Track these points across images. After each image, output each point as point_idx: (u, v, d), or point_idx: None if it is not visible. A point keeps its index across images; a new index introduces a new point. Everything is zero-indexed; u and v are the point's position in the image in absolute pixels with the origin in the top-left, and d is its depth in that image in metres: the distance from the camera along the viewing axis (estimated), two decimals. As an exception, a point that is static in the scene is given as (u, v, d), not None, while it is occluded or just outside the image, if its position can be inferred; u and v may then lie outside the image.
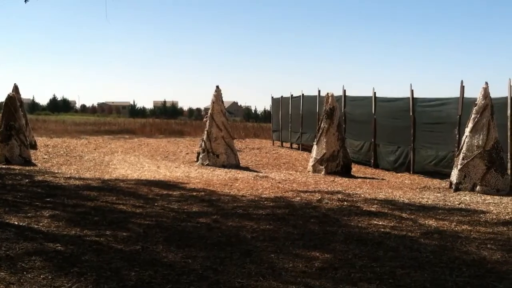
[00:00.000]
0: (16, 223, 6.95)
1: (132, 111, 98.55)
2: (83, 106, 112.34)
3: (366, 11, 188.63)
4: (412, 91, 15.58)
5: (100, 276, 4.83)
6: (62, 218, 7.37)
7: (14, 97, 16.11)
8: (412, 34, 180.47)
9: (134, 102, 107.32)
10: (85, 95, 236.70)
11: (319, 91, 21.42)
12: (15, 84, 20.45)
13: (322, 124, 15.46)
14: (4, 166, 14.18)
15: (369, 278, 5.10)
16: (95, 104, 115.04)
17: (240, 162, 17.45)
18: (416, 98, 15.65)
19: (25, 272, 4.84)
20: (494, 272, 5.45)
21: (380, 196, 10.86)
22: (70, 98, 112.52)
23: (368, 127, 17.69)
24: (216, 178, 13.36)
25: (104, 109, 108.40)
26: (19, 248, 5.63)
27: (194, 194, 10.31)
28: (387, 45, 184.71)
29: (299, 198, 10.16)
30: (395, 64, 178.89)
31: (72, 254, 5.52)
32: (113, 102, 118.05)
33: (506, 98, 12.92)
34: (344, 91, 19.29)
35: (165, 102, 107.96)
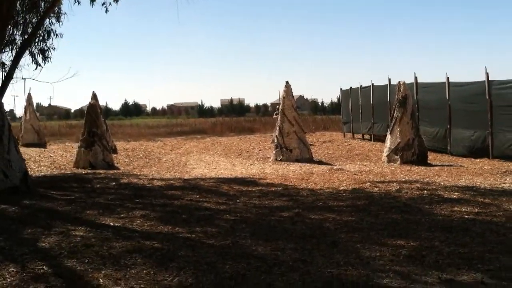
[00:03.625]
0: (112, 223, 7.40)
1: (201, 111, 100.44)
2: (154, 109, 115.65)
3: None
4: (487, 73, 15.20)
5: (198, 269, 5.13)
6: (153, 217, 7.78)
7: (95, 105, 16.92)
8: (482, 16, 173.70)
9: (202, 102, 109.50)
10: (154, 98, 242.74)
11: (389, 80, 21.23)
12: (93, 92, 21.42)
13: (395, 113, 15.34)
14: (90, 171, 14.94)
15: (457, 264, 5.15)
16: (165, 106, 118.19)
17: (313, 155, 17.57)
18: (491, 80, 15.25)
19: (128, 269, 5.20)
20: None
21: (460, 183, 10.73)
22: (140, 102, 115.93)
23: (442, 113, 17.38)
24: (292, 173, 13.55)
25: (173, 110, 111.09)
26: (119, 247, 6.02)
27: (273, 189, 10.55)
28: (457, 30, 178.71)
29: (377, 188, 10.19)
30: (467, 47, 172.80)
31: (169, 250, 5.86)
32: (181, 104, 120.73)
33: None
34: (416, 78, 19.02)
35: (231, 100, 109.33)
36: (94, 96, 21.02)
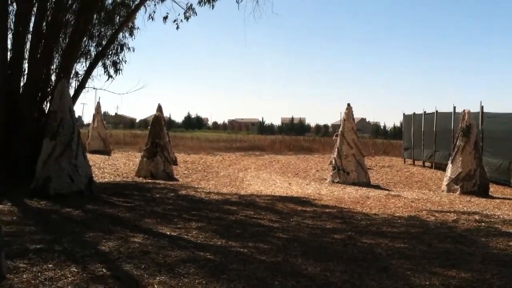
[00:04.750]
0: (169, 233, 7.68)
1: (261, 127, 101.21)
2: (215, 123, 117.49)
3: (502, 23, 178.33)
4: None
5: (248, 284, 5.28)
6: (208, 229, 8.02)
7: (159, 117, 17.49)
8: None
9: (262, 119, 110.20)
10: (216, 113, 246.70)
11: (454, 108, 20.85)
12: (159, 104, 22.11)
13: (457, 142, 15.08)
14: (150, 181, 15.43)
15: (509, 300, 5.09)
16: (226, 121, 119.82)
17: (371, 180, 17.46)
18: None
19: (182, 277, 5.42)
20: None
21: (521, 217, 10.44)
22: (202, 115, 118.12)
23: (507, 145, 16.90)
24: (347, 195, 13.54)
25: (234, 125, 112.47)
26: (174, 256, 6.27)
27: (327, 211, 10.60)
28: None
29: (433, 217, 10.07)
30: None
31: (221, 262, 6.06)
32: (242, 119, 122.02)
33: None
34: (482, 107, 18.61)
35: (292, 118, 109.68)
36: (159, 108, 21.69)
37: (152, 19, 13.36)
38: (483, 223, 9.50)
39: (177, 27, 13.08)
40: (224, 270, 5.72)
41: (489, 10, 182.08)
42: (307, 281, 5.46)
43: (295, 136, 65.39)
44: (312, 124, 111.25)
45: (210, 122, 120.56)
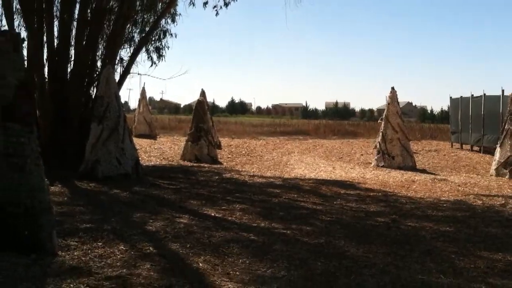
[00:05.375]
0: (213, 214, 7.83)
1: (305, 112, 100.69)
2: (258, 108, 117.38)
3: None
4: None
5: (290, 264, 5.36)
6: (252, 211, 8.12)
7: (203, 102, 17.69)
8: None
9: (306, 104, 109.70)
10: (260, 97, 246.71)
11: (502, 91, 20.31)
12: (202, 89, 22.36)
13: (506, 126, 14.71)
14: (195, 164, 15.66)
15: (557, 283, 5.00)
16: (269, 106, 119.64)
17: (416, 164, 17.22)
18: None
19: (226, 256, 5.54)
20: None
21: None
22: (246, 100, 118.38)
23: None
24: (392, 179, 13.42)
25: (278, 110, 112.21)
26: (218, 236, 6.40)
27: (371, 194, 10.55)
28: None
29: (480, 202, 9.91)
30: None
31: (264, 243, 6.15)
32: (286, 104, 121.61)
33: None
34: (532, 90, 18.05)
35: (336, 103, 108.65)
36: (202, 93, 21.93)
37: (193, 5, 13.47)
38: (532, 208, 9.29)
39: (217, 13, 13.15)
40: (267, 251, 5.81)
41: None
42: (350, 262, 5.49)
43: (339, 120, 64.79)
44: (357, 109, 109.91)
45: (253, 107, 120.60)
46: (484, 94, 22.56)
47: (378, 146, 17.17)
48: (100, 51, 13.19)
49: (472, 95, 24.02)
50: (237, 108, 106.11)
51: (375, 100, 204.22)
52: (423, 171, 16.28)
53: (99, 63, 13.05)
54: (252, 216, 7.79)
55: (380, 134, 17.16)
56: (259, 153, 20.84)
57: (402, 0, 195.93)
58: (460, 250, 6.16)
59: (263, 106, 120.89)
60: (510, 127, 14.46)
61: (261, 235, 6.55)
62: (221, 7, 13.10)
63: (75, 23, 12.54)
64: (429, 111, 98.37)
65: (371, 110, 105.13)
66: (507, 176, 14.21)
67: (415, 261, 5.63)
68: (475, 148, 23.87)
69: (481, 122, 22.39)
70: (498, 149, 14.96)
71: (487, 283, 4.94)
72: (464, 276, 5.18)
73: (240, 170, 14.81)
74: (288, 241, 6.33)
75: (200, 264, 5.24)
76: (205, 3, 12.97)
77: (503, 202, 9.85)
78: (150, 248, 5.75)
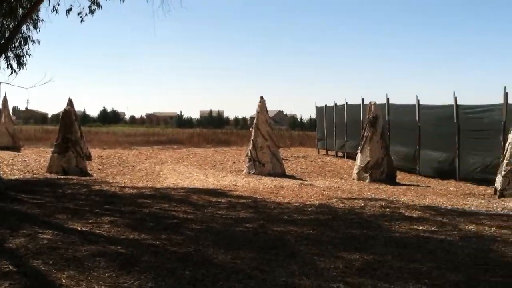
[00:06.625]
0: (79, 228, 7.58)
1: (179, 121, 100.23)
2: (132, 118, 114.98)
3: (407, 20, 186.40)
4: (455, 98, 15.72)
5: (158, 274, 5.34)
6: (121, 223, 7.98)
7: (69, 111, 17.02)
8: (455, 42, 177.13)
9: (181, 113, 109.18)
10: (133, 107, 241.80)
11: (362, 100, 21.71)
12: (69, 98, 21.51)
13: (365, 133, 15.74)
14: (62, 177, 15.01)
15: (405, 278, 5.44)
16: (143, 115, 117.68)
17: (286, 170, 17.87)
18: (460, 105, 15.77)
19: (91, 271, 5.40)
20: (529, 273, 5.69)
21: (424, 202, 11.08)
22: (119, 109, 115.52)
23: (412, 134, 17.86)
24: (262, 186, 13.81)
25: (152, 120, 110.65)
26: (84, 250, 6.21)
27: (241, 201, 10.79)
28: (429, 53, 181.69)
29: (342, 205, 10.50)
30: (438, 71, 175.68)
31: (132, 255, 6.07)
32: (160, 113, 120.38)
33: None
34: (388, 99, 19.51)
35: (211, 112, 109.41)
36: (70, 102, 21.10)
37: (56, 12, 12.88)
38: (388, 209, 10.01)
39: (82, 21, 12.66)
40: (135, 263, 5.75)
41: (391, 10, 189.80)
42: (217, 269, 5.59)
43: (213, 129, 65.40)
44: (231, 117, 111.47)
45: (127, 116, 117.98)
46: (346, 103, 23.99)
47: (249, 153, 17.60)
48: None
49: (336, 103, 25.44)
50: (110, 117, 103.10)
51: (249, 109, 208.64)
52: (292, 177, 16.92)
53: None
54: (120, 228, 7.65)
55: (251, 142, 17.60)
56: (131, 164, 20.46)
57: (269, 11, 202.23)
58: (322, 252, 6.50)
59: (137, 115, 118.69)
60: (369, 134, 15.49)
61: (129, 247, 6.46)
62: (86, 14, 12.64)
63: None
64: (299, 119, 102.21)
65: (244, 119, 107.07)
66: (367, 180, 15.20)
67: (280, 265, 5.86)
68: (340, 153, 25.27)
69: (344, 129, 23.77)
70: (359, 155, 15.96)
71: (345, 282, 5.26)
72: (324, 276, 5.47)
73: (111, 181, 14.45)
74: (157, 251, 6.31)
75: (64, 281, 5.06)
76: (69, 10, 12.44)
77: (362, 204, 10.51)
78: (10, 266, 5.46)
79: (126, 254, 6.13)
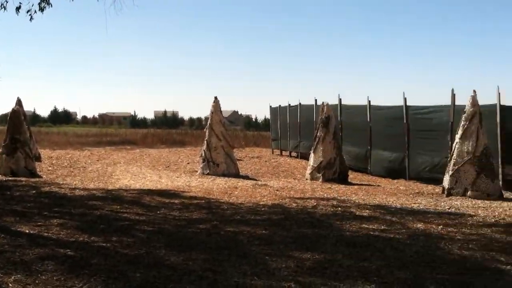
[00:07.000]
0: (28, 231, 7.40)
1: (133, 121, 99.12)
2: (84, 118, 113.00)
3: (358, 22, 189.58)
4: (405, 99, 16.07)
5: (108, 277, 5.28)
6: (70, 226, 7.83)
7: (18, 111, 16.60)
8: (404, 43, 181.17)
9: (135, 113, 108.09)
10: (86, 107, 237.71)
11: (315, 100, 21.94)
12: (18, 98, 21.03)
13: (318, 133, 15.93)
14: (11, 178, 14.63)
15: (355, 276, 5.54)
16: (96, 115, 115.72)
17: (240, 170, 17.91)
18: (409, 106, 16.14)
19: (39, 275, 5.28)
20: (473, 270, 5.88)
21: (374, 201, 11.28)
22: (71, 109, 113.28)
23: (364, 134, 18.16)
24: (216, 186, 13.80)
25: (105, 120, 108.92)
26: (32, 254, 6.07)
27: (195, 202, 10.76)
28: (381, 55, 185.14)
29: (295, 204, 10.60)
30: (389, 73, 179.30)
31: (82, 258, 5.98)
32: (113, 113, 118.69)
33: (495, 105, 13.42)
34: (340, 100, 19.80)
35: (165, 112, 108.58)
36: (18, 102, 20.62)
37: (5, 9, 12.57)
38: (339, 208, 10.16)
39: (31, 18, 12.41)
40: (85, 266, 5.66)
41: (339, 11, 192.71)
42: (169, 271, 5.56)
43: (168, 129, 64.85)
44: (186, 117, 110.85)
45: (79, 117, 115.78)
46: (300, 104, 24.22)
47: (203, 154, 17.55)
48: None
49: (289, 104, 25.65)
50: (61, 117, 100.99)
51: (204, 109, 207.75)
52: (246, 177, 16.98)
53: None
54: (70, 230, 7.51)
55: (205, 142, 17.57)
56: (82, 165, 20.11)
57: (224, 9, 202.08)
58: (274, 252, 6.55)
59: (89, 115, 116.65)
60: (321, 134, 15.69)
61: (79, 250, 6.35)
62: (35, 12, 12.38)
63: None
64: (253, 119, 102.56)
65: (199, 119, 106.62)
66: (320, 180, 15.38)
67: (232, 265, 5.88)
68: (294, 154, 25.48)
69: (298, 130, 23.99)
70: (312, 155, 16.14)
71: (296, 281, 5.31)
72: (276, 276, 5.51)
73: (61, 183, 14.17)
74: (108, 254, 6.22)
75: (10, 285, 4.94)
76: (18, 8, 12.17)
77: (315, 204, 10.64)
78: (-48, 272, 5.29)
79: (75, 257, 6.03)
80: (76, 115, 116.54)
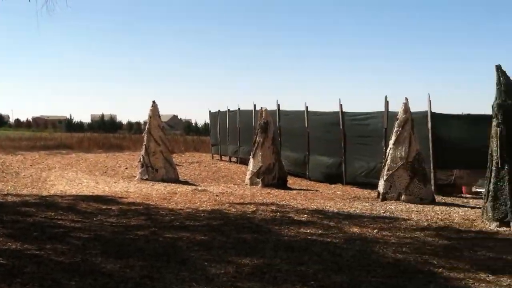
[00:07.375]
0: (-45, 240, 7.11)
1: (69, 125, 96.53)
2: (17, 121, 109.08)
3: (295, 29, 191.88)
4: (341, 105, 16.42)
5: (42, 286, 5.14)
6: (2, 234, 7.56)
7: None
8: (341, 51, 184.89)
9: (70, 116, 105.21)
10: (19, 109, 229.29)
11: (254, 106, 22.06)
12: None
13: (257, 138, 16.04)
14: None
15: (293, 280, 5.62)
16: (30, 119, 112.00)
17: (180, 176, 17.80)
18: (345, 112, 16.49)
19: (-32, 285, 5.09)
20: (407, 273, 6.08)
21: (312, 206, 11.46)
22: (3, 112, 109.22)
23: (302, 140, 18.41)
24: (155, 192, 13.66)
25: (39, 123, 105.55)
26: (-40, 264, 5.84)
27: (133, 208, 10.61)
28: (318, 62, 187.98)
29: (234, 210, 10.63)
30: (326, 79, 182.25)
31: (14, 266, 5.79)
32: (48, 116, 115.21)
33: (426, 112, 13.94)
34: (278, 105, 20.03)
35: (103, 115, 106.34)
36: None
37: None
38: (278, 213, 10.27)
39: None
40: (17, 274, 5.50)
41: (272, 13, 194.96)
42: (106, 279, 5.47)
43: (105, 133, 63.53)
44: (124, 121, 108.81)
45: (11, 120, 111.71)
46: (239, 109, 24.30)
47: (142, 159, 17.33)
48: None
49: (229, 109, 25.70)
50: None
51: (143, 113, 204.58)
52: (186, 182, 16.89)
53: None
54: (2, 238, 7.26)
55: (144, 147, 17.36)
56: (15, 170, 19.43)
57: (163, 12, 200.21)
58: (213, 257, 6.55)
59: (23, 118, 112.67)
60: (260, 139, 15.81)
61: (11, 258, 6.15)
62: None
63: None
64: (193, 124, 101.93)
65: (138, 123, 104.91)
66: (259, 185, 15.48)
67: (171, 272, 5.84)
68: (233, 159, 25.52)
69: (237, 135, 24.06)
70: (251, 160, 16.22)
71: (235, 287, 5.34)
72: (215, 281, 5.52)
73: (-8, 189, 13.66)
74: (41, 262, 6.06)
75: None
76: None
77: (254, 209, 10.71)
78: None
79: (7, 265, 5.84)
80: (9, 118, 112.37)
